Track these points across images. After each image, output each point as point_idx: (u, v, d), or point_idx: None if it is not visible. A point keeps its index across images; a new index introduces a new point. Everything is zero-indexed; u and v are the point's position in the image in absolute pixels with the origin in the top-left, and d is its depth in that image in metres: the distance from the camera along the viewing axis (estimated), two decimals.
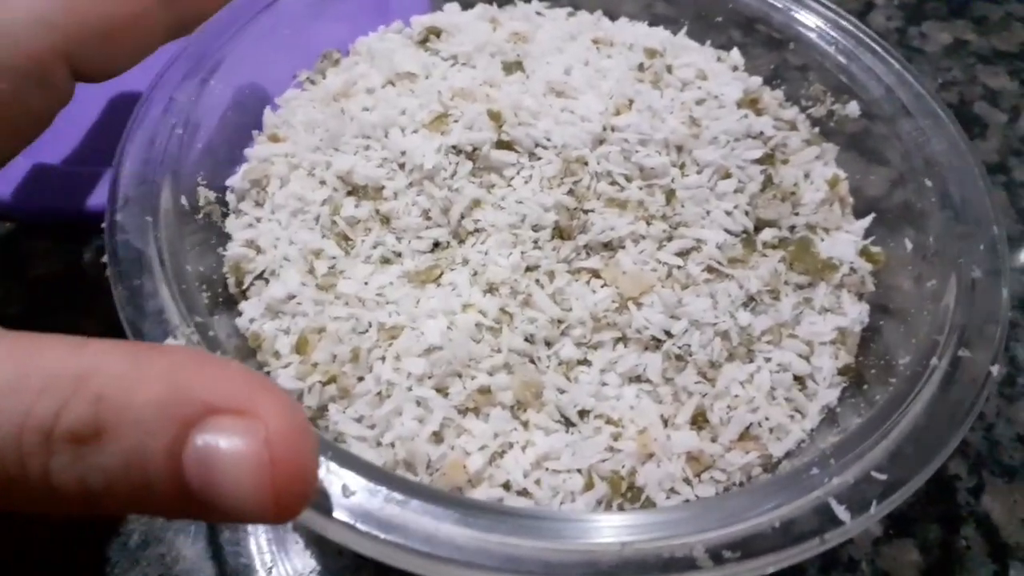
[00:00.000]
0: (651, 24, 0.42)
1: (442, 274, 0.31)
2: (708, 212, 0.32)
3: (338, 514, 0.22)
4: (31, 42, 0.28)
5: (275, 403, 0.19)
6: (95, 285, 0.42)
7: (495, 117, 0.32)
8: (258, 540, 0.34)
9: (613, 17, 0.42)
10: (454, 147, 0.32)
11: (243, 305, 0.30)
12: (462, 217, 0.31)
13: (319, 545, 0.34)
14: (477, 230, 0.31)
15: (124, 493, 0.19)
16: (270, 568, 0.33)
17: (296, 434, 0.19)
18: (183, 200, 0.30)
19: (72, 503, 0.19)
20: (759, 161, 0.34)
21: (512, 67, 0.36)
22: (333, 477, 0.23)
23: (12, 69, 0.27)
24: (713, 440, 0.28)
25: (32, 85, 0.28)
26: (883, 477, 0.24)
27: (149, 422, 0.18)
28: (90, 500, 0.19)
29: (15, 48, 0.27)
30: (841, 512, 0.23)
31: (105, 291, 0.41)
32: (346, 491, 0.22)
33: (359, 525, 0.22)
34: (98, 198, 0.42)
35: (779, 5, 0.39)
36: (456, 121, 0.32)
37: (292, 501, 0.19)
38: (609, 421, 0.28)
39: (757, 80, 0.38)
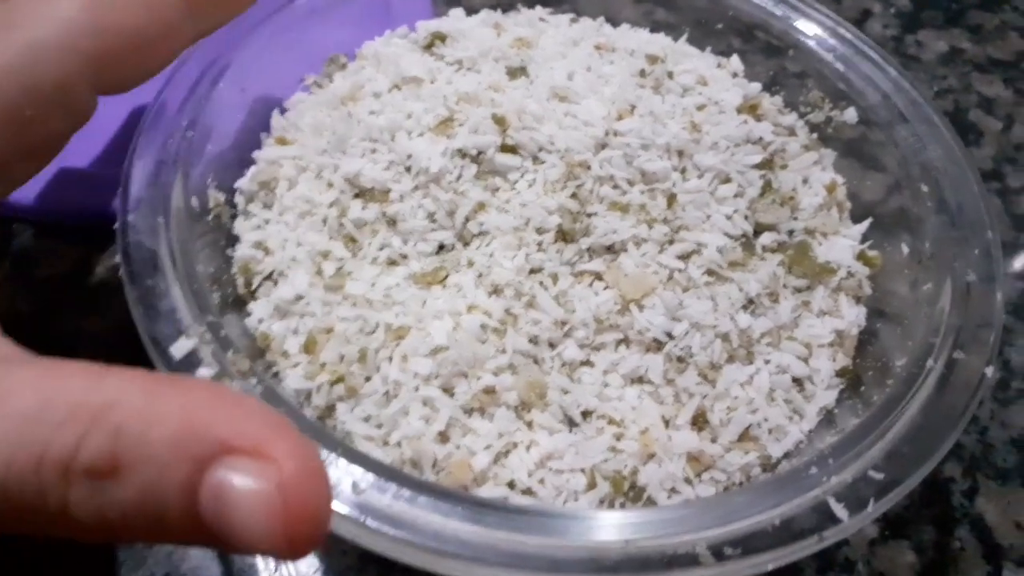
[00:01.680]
0: (652, 30, 0.42)
1: (447, 276, 0.31)
2: (708, 216, 0.32)
3: (348, 511, 0.23)
4: (58, 68, 0.27)
5: (291, 445, 0.19)
6: (103, 285, 0.42)
7: (500, 121, 0.33)
8: None
9: (614, 23, 0.42)
10: (459, 151, 0.32)
11: (252, 306, 0.31)
12: (467, 220, 0.32)
13: (323, 544, 0.34)
14: (482, 233, 0.32)
15: (141, 525, 0.19)
16: (275, 567, 0.34)
17: (310, 477, 0.19)
18: (194, 201, 0.31)
19: (90, 532, 0.20)
20: (758, 166, 0.34)
21: (516, 72, 0.36)
22: (343, 475, 0.23)
23: (37, 95, 0.26)
24: (713, 440, 0.29)
25: (56, 109, 0.27)
26: (880, 476, 0.25)
27: (165, 458, 0.19)
28: (108, 530, 0.19)
29: (42, 75, 0.26)
30: (839, 510, 0.24)
31: (113, 291, 0.42)
32: (356, 488, 0.23)
33: (369, 522, 0.22)
34: (108, 200, 0.42)
35: (778, 13, 0.40)
36: (461, 125, 0.33)
37: (303, 542, 0.19)
38: (611, 421, 0.29)
39: (756, 86, 0.39)
